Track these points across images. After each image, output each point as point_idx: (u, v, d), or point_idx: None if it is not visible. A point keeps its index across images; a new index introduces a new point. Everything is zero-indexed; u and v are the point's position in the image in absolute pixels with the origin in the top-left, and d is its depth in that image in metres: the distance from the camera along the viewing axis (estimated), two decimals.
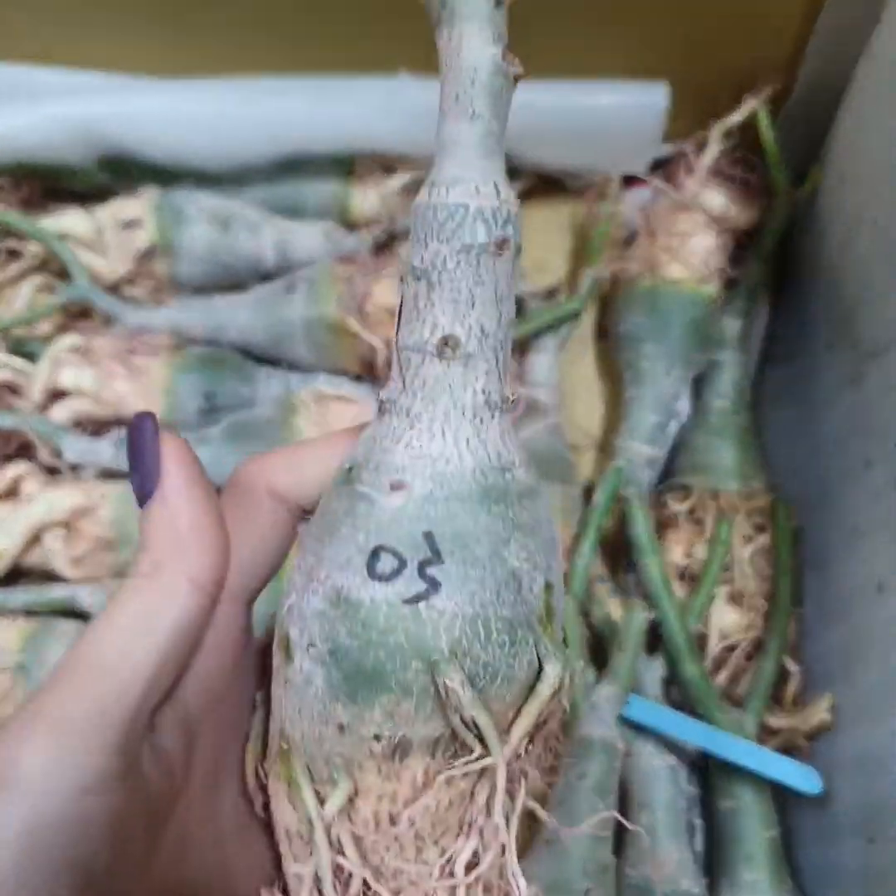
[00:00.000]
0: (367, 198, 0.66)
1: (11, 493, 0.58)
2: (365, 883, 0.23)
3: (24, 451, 0.59)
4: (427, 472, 0.23)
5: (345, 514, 0.23)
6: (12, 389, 0.61)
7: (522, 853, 0.24)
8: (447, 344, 0.23)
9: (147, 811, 0.23)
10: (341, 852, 0.23)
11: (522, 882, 0.23)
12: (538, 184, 0.69)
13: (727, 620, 0.57)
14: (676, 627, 0.54)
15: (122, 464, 0.49)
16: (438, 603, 0.22)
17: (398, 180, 0.66)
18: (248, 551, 0.25)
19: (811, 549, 0.59)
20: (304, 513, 0.26)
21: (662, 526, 0.60)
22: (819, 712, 0.53)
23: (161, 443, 0.24)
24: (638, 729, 0.53)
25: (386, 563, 0.22)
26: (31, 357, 0.62)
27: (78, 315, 0.65)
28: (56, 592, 0.56)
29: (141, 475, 0.24)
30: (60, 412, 0.59)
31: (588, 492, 0.61)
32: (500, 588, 0.23)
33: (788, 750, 0.53)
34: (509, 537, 0.23)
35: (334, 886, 0.23)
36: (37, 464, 0.59)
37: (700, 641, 0.56)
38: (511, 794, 0.24)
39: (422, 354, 0.23)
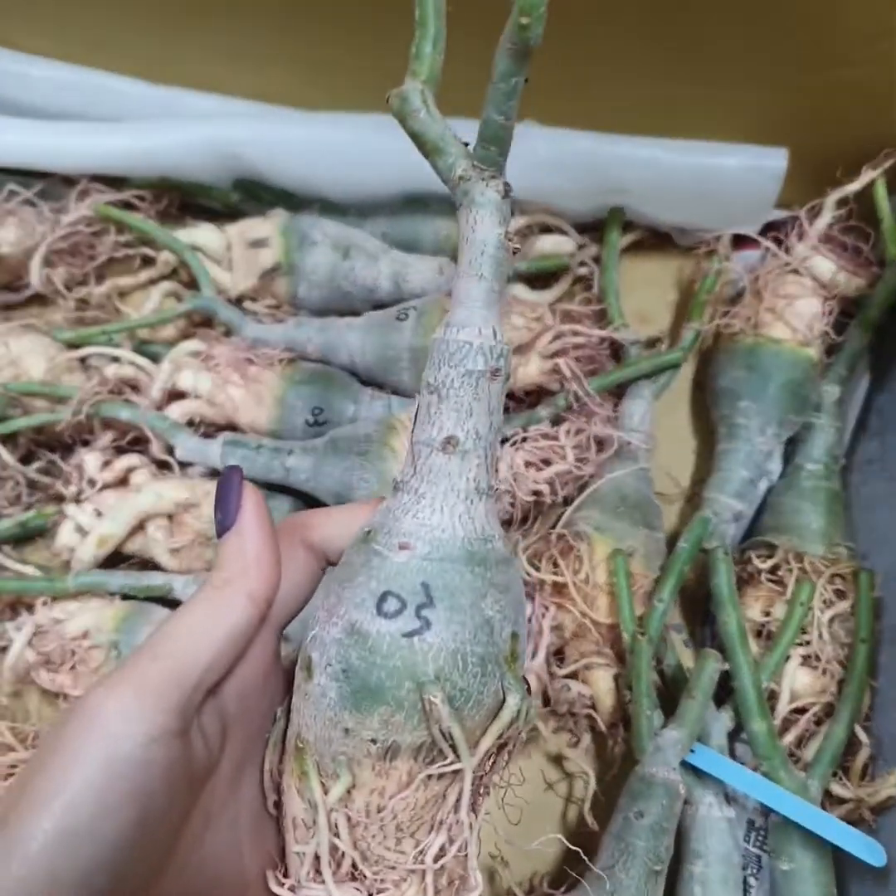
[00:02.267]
0: None
1: (123, 482, 0.62)
2: (353, 864, 0.30)
3: (138, 444, 0.63)
4: (427, 537, 0.30)
5: (362, 565, 0.30)
6: (133, 386, 0.65)
7: None
8: (449, 442, 0.30)
9: (190, 774, 0.28)
10: (337, 835, 0.30)
11: (478, 875, 0.30)
12: (647, 237, 0.71)
13: (800, 682, 0.57)
14: (749, 681, 0.54)
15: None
16: (429, 637, 0.29)
17: (514, 224, 0.68)
18: (284, 589, 0.32)
19: (890, 623, 0.59)
20: (329, 563, 0.34)
21: (743, 582, 0.60)
22: (889, 786, 0.53)
23: (243, 490, 0.32)
24: (699, 779, 0.53)
25: (391, 605, 0.29)
26: (154, 358, 0.66)
27: (201, 323, 0.69)
28: (154, 579, 0.59)
29: (223, 512, 0.32)
30: (176, 411, 0.63)
31: (671, 541, 0.61)
32: (477, 631, 0.29)
33: (852, 822, 0.53)
34: (486, 593, 0.30)
35: (329, 864, 0.29)
36: (148, 458, 0.62)
37: (771, 701, 0.56)
38: (475, 799, 0.30)
39: (430, 448, 0.30)
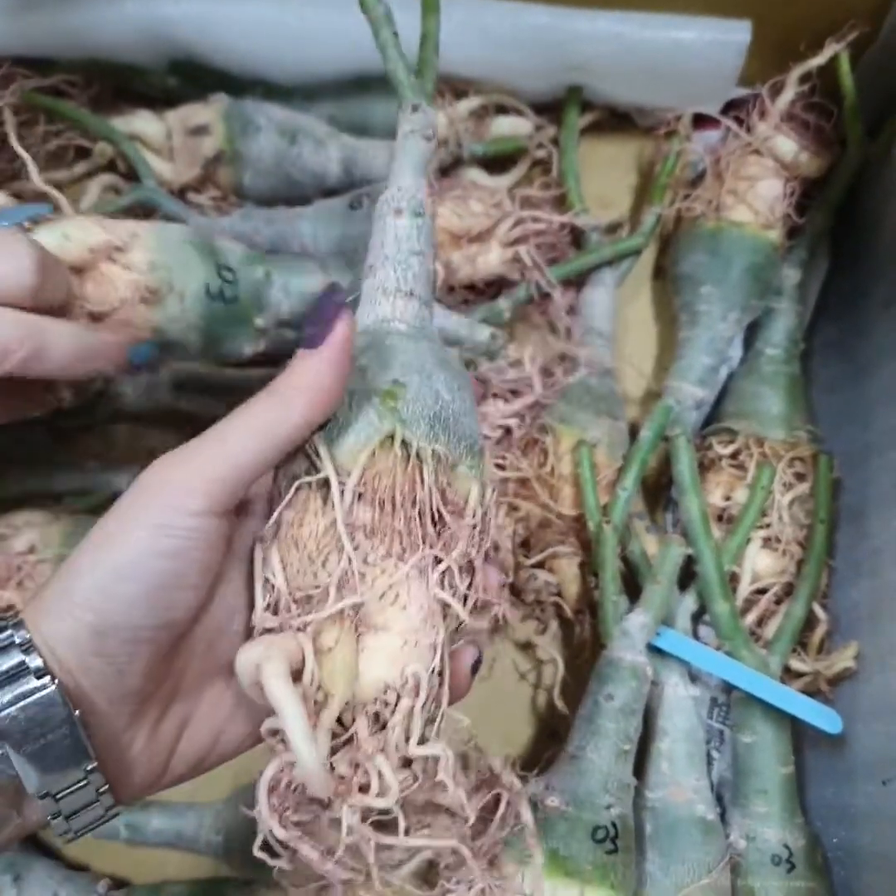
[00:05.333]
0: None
1: None
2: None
3: None
4: None
5: None
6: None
7: None
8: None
9: (217, 564, 0.31)
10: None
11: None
12: (607, 119, 0.69)
13: (761, 564, 0.58)
14: (711, 565, 0.55)
15: None
16: None
17: (468, 104, 0.66)
18: None
19: (848, 503, 0.60)
20: None
21: (704, 468, 0.61)
22: (844, 659, 0.55)
23: (340, 319, 0.31)
24: (665, 660, 0.55)
25: None
26: None
27: (142, 217, 0.65)
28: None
29: (315, 329, 0.31)
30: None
31: (633, 430, 0.61)
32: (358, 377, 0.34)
33: (810, 694, 0.55)
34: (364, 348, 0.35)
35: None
36: None
37: (732, 582, 0.57)
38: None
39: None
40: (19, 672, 0.28)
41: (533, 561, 0.57)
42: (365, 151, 0.65)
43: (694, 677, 0.56)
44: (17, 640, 0.28)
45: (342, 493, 0.31)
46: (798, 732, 0.55)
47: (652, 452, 0.58)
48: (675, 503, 0.59)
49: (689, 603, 0.56)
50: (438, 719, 0.32)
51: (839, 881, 0.52)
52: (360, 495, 0.31)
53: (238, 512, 0.33)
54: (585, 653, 0.58)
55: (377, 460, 0.32)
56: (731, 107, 0.66)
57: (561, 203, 0.65)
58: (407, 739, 0.30)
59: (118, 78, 0.68)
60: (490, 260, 0.60)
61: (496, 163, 0.68)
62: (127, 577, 0.29)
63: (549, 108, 0.68)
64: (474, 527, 0.33)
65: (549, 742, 0.57)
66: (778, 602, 0.58)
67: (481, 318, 0.60)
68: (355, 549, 0.31)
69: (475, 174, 0.66)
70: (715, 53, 0.60)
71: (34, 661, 0.28)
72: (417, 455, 0.32)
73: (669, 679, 0.54)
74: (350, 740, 0.30)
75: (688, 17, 0.60)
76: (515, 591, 0.58)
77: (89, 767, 0.29)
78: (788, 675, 0.56)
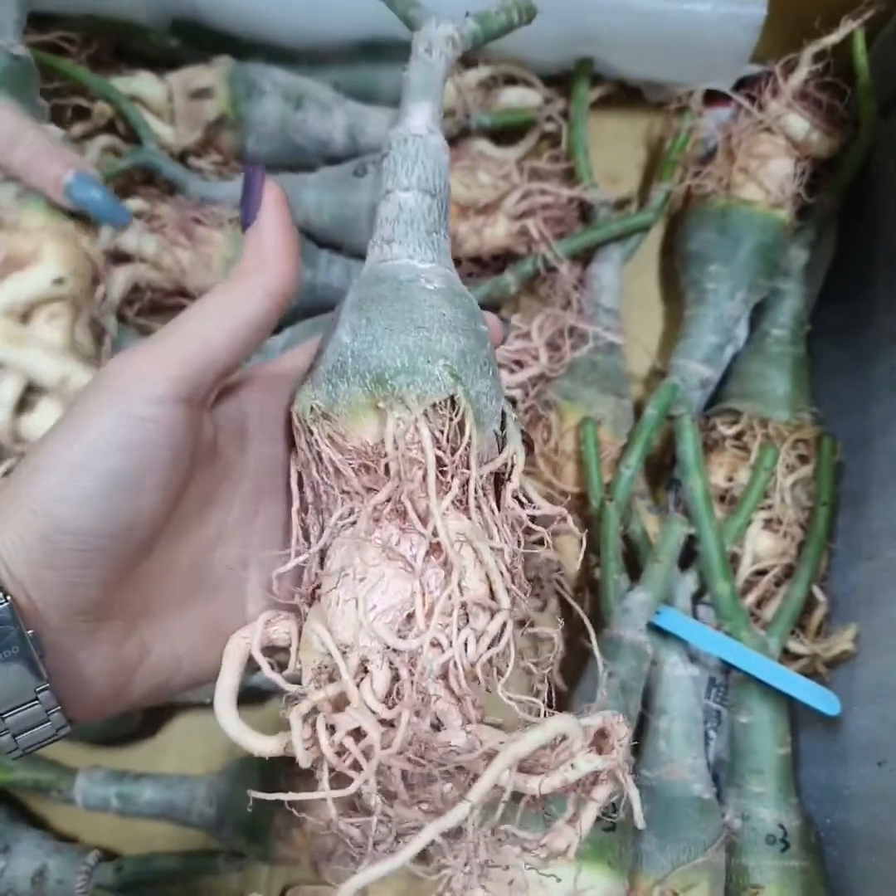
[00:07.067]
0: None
1: None
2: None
3: None
4: None
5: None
6: None
7: None
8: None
9: (192, 446, 0.30)
10: None
11: None
12: (617, 93, 0.68)
13: (762, 545, 0.58)
14: (713, 545, 0.55)
15: None
16: None
17: (477, 74, 0.64)
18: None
19: (848, 487, 0.60)
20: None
21: (707, 448, 0.60)
22: (843, 641, 0.55)
23: (265, 187, 0.31)
24: (664, 640, 0.55)
25: None
26: None
27: (143, 181, 0.64)
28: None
29: (245, 209, 0.31)
30: (120, 276, 0.59)
31: (637, 407, 0.61)
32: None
33: (807, 676, 0.55)
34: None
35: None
36: None
37: (733, 563, 0.57)
38: None
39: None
40: None
41: (534, 538, 0.56)
42: (371, 118, 0.63)
43: (692, 657, 0.56)
44: None
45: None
46: (793, 713, 0.55)
47: (656, 431, 0.58)
48: (678, 483, 0.59)
49: (689, 582, 0.56)
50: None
51: (832, 862, 0.52)
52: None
53: (240, 439, 0.33)
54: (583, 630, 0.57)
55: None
56: (741, 84, 0.65)
57: (569, 177, 0.64)
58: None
59: (118, 36, 0.66)
60: (497, 232, 0.59)
61: (503, 135, 0.67)
62: (80, 474, 0.27)
63: (558, 81, 0.67)
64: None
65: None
66: (777, 584, 0.58)
67: (488, 291, 0.59)
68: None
69: (483, 145, 0.65)
70: (730, 27, 0.59)
71: None
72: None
73: (668, 658, 0.54)
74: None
75: None
76: None
77: (39, 688, 0.28)
78: (786, 656, 0.56)
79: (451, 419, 0.30)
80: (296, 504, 0.33)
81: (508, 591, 0.30)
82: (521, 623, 0.58)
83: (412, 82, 0.35)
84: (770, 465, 0.57)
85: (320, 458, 0.31)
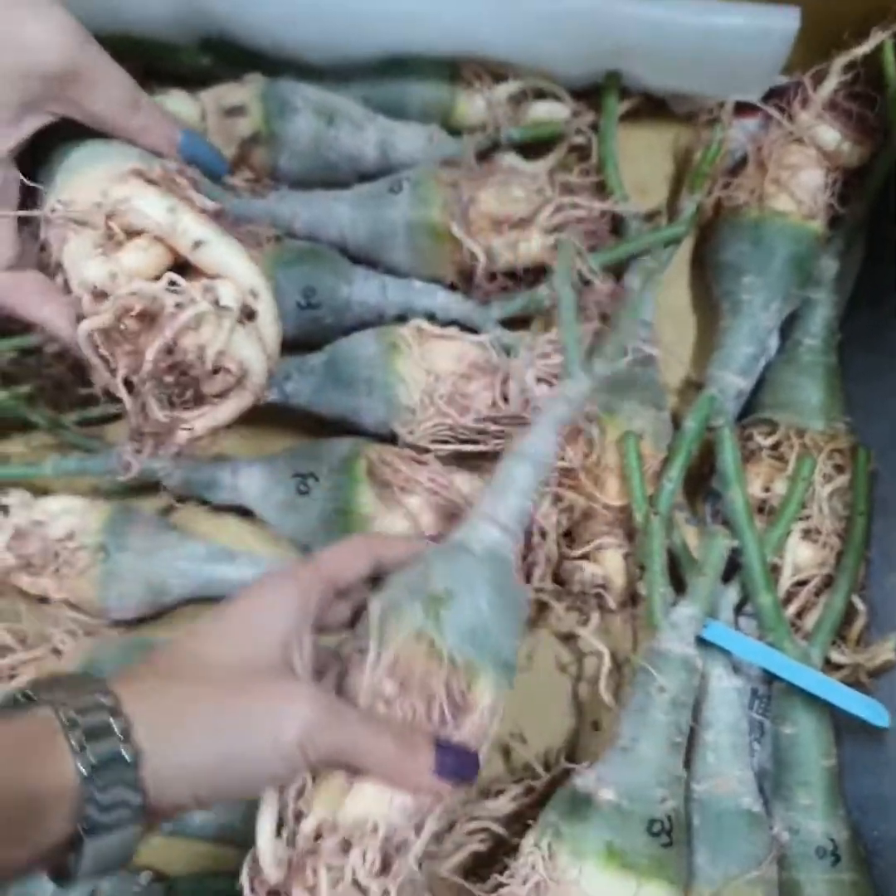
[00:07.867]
0: (473, 103, 0.65)
1: None
2: None
3: None
4: None
5: None
6: None
7: None
8: None
9: None
10: None
11: None
12: (644, 105, 0.68)
13: (802, 555, 0.58)
14: (756, 556, 0.55)
15: None
16: None
17: (506, 88, 0.65)
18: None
19: (882, 495, 0.60)
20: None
21: (744, 459, 0.60)
22: (886, 651, 0.55)
23: None
24: (709, 652, 0.54)
25: None
26: None
27: None
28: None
29: None
30: None
31: (674, 418, 0.61)
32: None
33: (850, 686, 0.55)
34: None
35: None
36: None
37: (773, 574, 0.57)
38: None
39: None
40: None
41: (579, 552, 0.56)
42: (401, 134, 0.64)
43: (735, 668, 0.56)
44: None
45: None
46: (836, 724, 0.55)
47: (697, 443, 0.58)
48: (716, 494, 0.59)
49: (731, 595, 0.56)
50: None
51: (878, 874, 0.52)
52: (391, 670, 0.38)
53: None
54: (626, 644, 0.58)
55: (410, 646, 0.39)
56: (770, 95, 0.65)
57: (599, 190, 0.64)
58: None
59: (150, 56, 0.66)
60: (532, 247, 0.59)
61: (531, 148, 0.67)
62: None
63: (583, 94, 0.67)
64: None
65: (590, 735, 0.57)
66: (817, 594, 0.58)
67: (522, 305, 0.59)
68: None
69: (511, 159, 0.65)
70: (761, 40, 0.59)
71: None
72: (440, 655, 0.38)
73: (713, 670, 0.54)
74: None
75: (734, 2, 0.59)
76: (558, 582, 0.57)
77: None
78: (828, 667, 0.56)
79: None
80: None
81: None
82: (566, 637, 0.59)
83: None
84: (808, 475, 0.57)
85: None
